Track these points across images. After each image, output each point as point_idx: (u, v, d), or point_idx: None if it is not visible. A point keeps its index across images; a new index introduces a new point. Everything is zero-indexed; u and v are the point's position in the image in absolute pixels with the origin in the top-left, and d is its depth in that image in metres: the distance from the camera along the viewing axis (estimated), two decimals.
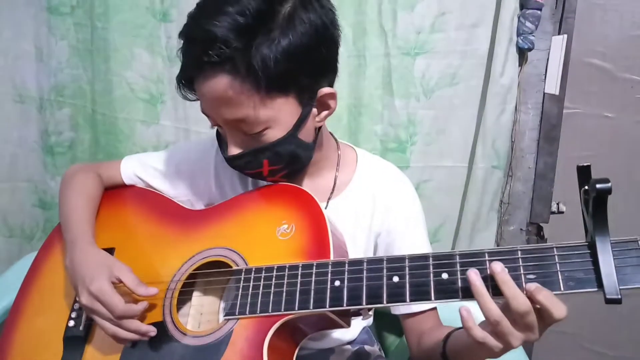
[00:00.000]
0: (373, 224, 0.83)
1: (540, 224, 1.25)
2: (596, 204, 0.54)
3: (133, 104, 1.22)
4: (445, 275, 0.59)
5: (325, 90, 0.74)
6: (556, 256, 0.56)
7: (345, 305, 0.62)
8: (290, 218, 0.72)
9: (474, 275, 0.55)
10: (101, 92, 1.22)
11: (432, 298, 0.58)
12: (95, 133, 1.25)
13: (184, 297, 0.76)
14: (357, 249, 0.83)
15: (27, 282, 0.84)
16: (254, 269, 0.69)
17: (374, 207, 0.83)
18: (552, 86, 1.12)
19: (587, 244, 0.56)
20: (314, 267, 0.65)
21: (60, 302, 0.78)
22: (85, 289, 0.69)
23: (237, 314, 0.67)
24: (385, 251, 0.83)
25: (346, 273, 0.63)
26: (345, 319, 0.70)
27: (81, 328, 0.75)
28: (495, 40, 1.07)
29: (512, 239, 1.23)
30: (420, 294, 0.59)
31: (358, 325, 0.88)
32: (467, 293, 0.56)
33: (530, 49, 1.10)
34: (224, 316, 0.68)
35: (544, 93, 1.15)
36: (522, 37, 1.08)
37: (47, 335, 0.76)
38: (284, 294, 0.65)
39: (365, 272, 0.63)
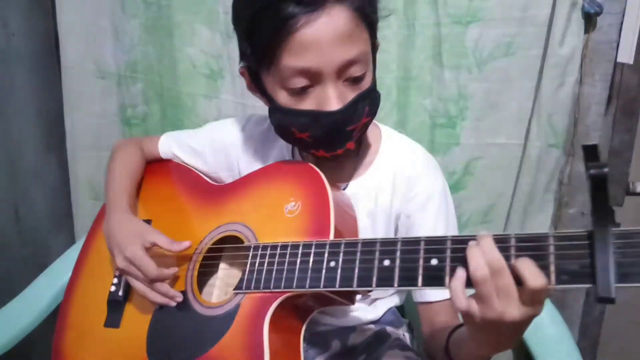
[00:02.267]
0: (393, 206, 0.81)
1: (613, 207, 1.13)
2: (594, 190, 0.48)
3: (195, 79, 1.27)
4: (434, 261, 0.56)
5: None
6: (552, 246, 0.51)
7: (337, 286, 0.62)
8: (297, 196, 0.73)
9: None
10: (167, 68, 1.28)
11: (419, 284, 0.56)
12: (163, 106, 1.33)
13: (211, 269, 0.80)
14: (377, 232, 0.82)
15: (83, 251, 0.94)
16: (260, 246, 0.71)
17: (394, 188, 0.81)
18: (627, 55, 0.98)
19: (586, 234, 0.50)
20: (313, 247, 0.66)
21: (106, 268, 0.86)
22: (121, 254, 0.76)
23: (243, 288, 0.70)
24: (406, 235, 0.81)
25: (341, 254, 0.63)
26: (346, 297, 0.69)
27: (120, 293, 0.82)
28: (555, 5, 0.97)
29: (571, 222, 1.12)
30: (408, 279, 0.57)
31: (383, 305, 0.87)
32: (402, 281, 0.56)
33: (598, 14, 0.97)
34: (233, 290, 0.72)
35: (616, 62, 1.02)
36: (588, 0, 0.96)
37: (95, 298, 0.85)
38: (285, 272, 0.67)
39: (359, 254, 0.62)
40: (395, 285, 0.58)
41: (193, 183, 0.90)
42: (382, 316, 0.87)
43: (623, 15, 0.99)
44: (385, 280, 0.59)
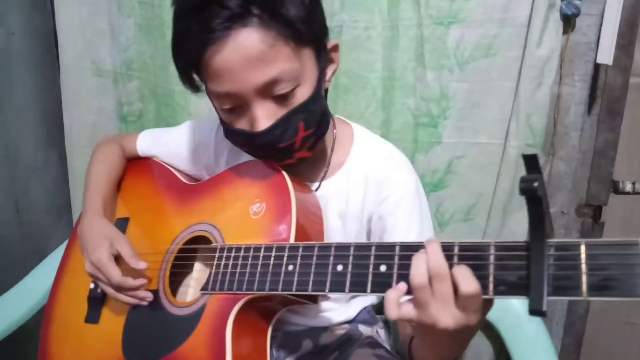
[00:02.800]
0: (365, 207, 0.82)
1: (599, 205, 1.13)
2: (528, 202, 0.49)
3: None
4: (383, 268, 0.58)
5: (332, 42, 0.75)
6: (492, 256, 0.52)
7: (294, 290, 0.64)
8: (262, 197, 0.74)
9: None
10: (160, 67, 1.30)
11: (368, 290, 0.58)
12: (157, 104, 1.35)
13: (186, 269, 0.83)
14: (348, 233, 0.82)
15: (68, 247, 0.97)
16: (226, 248, 0.73)
17: (365, 189, 0.82)
18: (606, 56, 0.97)
19: (525, 244, 0.51)
20: (273, 250, 0.68)
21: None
22: (87, 258, 0.79)
23: (209, 289, 0.72)
24: (379, 238, 0.81)
25: (299, 258, 0.65)
26: (307, 298, 0.71)
27: (99, 290, 0.85)
28: (533, 6, 0.96)
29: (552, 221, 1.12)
30: (358, 285, 0.59)
31: (358, 304, 0.89)
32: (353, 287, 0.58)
33: (575, 15, 0.96)
34: (200, 290, 0.74)
35: (596, 63, 1.01)
36: (565, 2, 0.95)
37: (77, 294, 0.88)
38: (247, 274, 0.69)
39: (315, 258, 0.64)
40: (347, 290, 0.60)
41: (168, 182, 0.92)
42: (356, 315, 0.88)
43: (602, 17, 0.98)
44: (337, 286, 0.61)
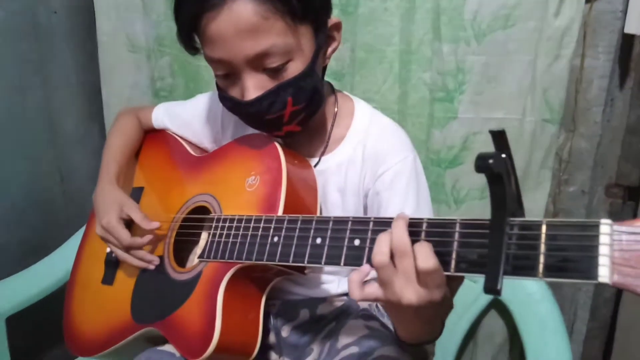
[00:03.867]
0: (362, 182, 0.82)
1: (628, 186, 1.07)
2: (490, 180, 0.48)
3: None
4: (357, 242, 0.59)
5: (334, 19, 0.75)
6: (457, 233, 0.52)
7: (277, 260, 0.66)
8: (257, 170, 0.77)
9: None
10: None
11: (341, 263, 0.59)
12: (186, 79, 1.38)
13: (189, 238, 0.86)
14: (347, 208, 0.83)
15: (91, 216, 1.04)
16: (222, 218, 0.76)
17: (363, 164, 0.82)
18: (636, 25, 0.91)
19: (488, 222, 0.50)
20: (262, 222, 0.70)
21: None
22: (99, 221, 0.84)
23: (205, 257, 0.76)
24: (376, 214, 0.81)
25: (283, 230, 0.67)
26: (294, 268, 0.74)
27: (113, 255, 0.91)
28: None
29: (571, 201, 1.07)
30: (333, 258, 0.61)
31: None
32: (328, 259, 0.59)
33: None
34: (197, 258, 0.78)
35: (623, 34, 0.94)
36: None
37: (96, 257, 0.95)
38: (238, 244, 0.72)
39: (297, 231, 0.65)
40: (322, 263, 0.61)
41: (178, 153, 0.95)
42: None
43: None
44: (315, 258, 0.62)
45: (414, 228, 0.54)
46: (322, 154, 0.84)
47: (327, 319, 0.86)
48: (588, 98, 1.01)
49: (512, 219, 0.48)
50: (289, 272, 0.75)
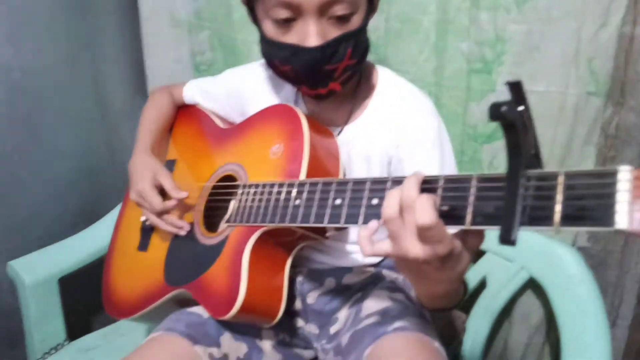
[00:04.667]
0: (386, 150, 0.82)
1: None
2: (504, 129, 0.47)
3: (249, 25, 1.30)
4: (375, 201, 0.59)
5: None
6: (474, 187, 0.51)
7: (298, 222, 0.67)
8: (281, 138, 0.78)
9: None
10: (224, 15, 1.34)
11: (360, 222, 0.59)
12: (224, 53, 1.40)
13: (218, 204, 0.89)
14: (372, 176, 0.83)
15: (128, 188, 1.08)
16: (248, 185, 0.78)
17: (387, 132, 0.81)
18: None
19: (505, 175, 0.49)
20: (285, 186, 0.71)
21: None
22: (134, 187, 0.87)
23: (231, 222, 0.78)
24: None
25: (305, 193, 0.68)
26: (315, 232, 0.75)
27: (148, 223, 0.95)
28: None
29: None
30: (351, 217, 0.61)
31: None
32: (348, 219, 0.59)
33: None
34: (225, 222, 0.80)
35: None
36: None
37: (133, 225, 1.00)
38: (262, 208, 0.74)
39: (318, 193, 0.66)
40: (342, 222, 0.61)
41: (208, 126, 0.99)
42: (381, 260, 0.90)
43: None
44: (335, 218, 0.62)
45: (430, 185, 0.53)
46: (346, 122, 0.84)
47: (353, 289, 0.87)
48: (638, 69, 0.95)
49: (529, 170, 0.47)
50: (311, 237, 0.75)
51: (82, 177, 1.43)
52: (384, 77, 0.85)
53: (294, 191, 0.69)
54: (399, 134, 0.80)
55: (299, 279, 0.88)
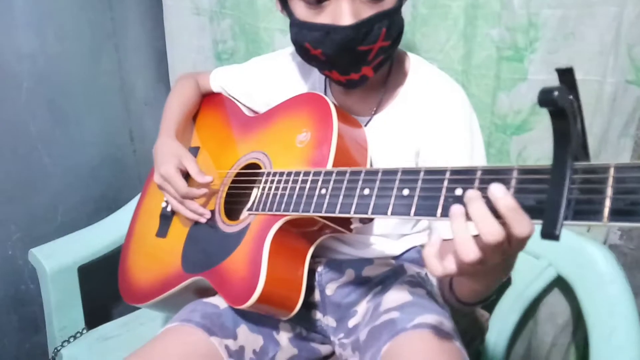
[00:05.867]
0: (413, 142, 0.80)
1: None
2: (553, 117, 0.44)
3: (272, 13, 1.29)
4: (406, 191, 0.56)
5: None
6: (513, 179, 0.48)
7: (324, 212, 0.65)
8: (309, 127, 0.76)
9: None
10: (247, 3, 1.32)
11: (389, 212, 0.57)
12: (246, 42, 1.38)
13: (241, 191, 0.87)
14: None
15: (150, 174, 1.08)
16: (271, 173, 0.76)
17: (416, 122, 0.79)
18: None
19: (549, 167, 0.46)
20: (311, 175, 0.69)
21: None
22: (158, 170, 0.86)
23: (254, 210, 0.76)
24: None
25: (331, 182, 0.66)
26: (341, 224, 0.72)
27: (169, 208, 0.94)
28: None
29: None
30: (380, 208, 0.58)
31: (408, 242, 0.87)
32: (420, 210, 0.54)
33: None
34: (247, 210, 0.78)
35: None
36: None
37: (152, 212, 0.99)
38: (286, 196, 0.72)
39: (345, 182, 0.64)
40: (369, 213, 0.59)
41: (233, 114, 0.97)
42: (403, 253, 0.87)
43: None
44: (362, 208, 0.60)
45: (467, 176, 0.51)
46: (375, 112, 0.82)
47: (373, 282, 0.84)
48: None
49: (576, 163, 0.45)
50: (335, 229, 0.73)
51: (104, 166, 1.44)
52: (415, 65, 0.82)
53: (320, 180, 0.67)
54: (429, 124, 0.78)
55: (319, 269, 0.86)
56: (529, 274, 1.04)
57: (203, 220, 0.84)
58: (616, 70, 0.90)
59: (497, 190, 0.45)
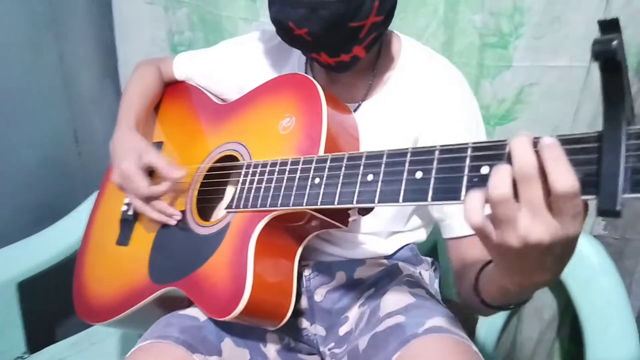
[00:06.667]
0: (411, 128, 0.73)
1: None
2: (603, 74, 0.38)
3: (235, 1, 1.22)
4: (419, 174, 0.48)
5: None
6: None
7: (319, 204, 0.57)
8: (292, 111, 0.67)
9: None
10: None
11: (400, 199, 0.49)
12: (206, 32, 1.30)
13: (214, 188, 0.78)
14: None
15: (106, 175, 0.96)
16: (252, 164, 0.67)
17: (411, 108, 0.72)
18: None
19: (596, 135, 0.40)
20: (300, 163, 0.61)
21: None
22: (117, 168, 0.75)
23: (234, 207, 0.67)
24: None
25: (326, 170, 0.57)
26: (338, 218, 0.64)
27: (130, 212, 0.83)
28: None
29: None
30: (388, 195, 0.50)
31: (400, 240, 0.80)
32: (438, 194, 0.46)
33: None
34: (225, 209, 0.68)
35: None
36: None
37: (110, 217, 0.88)
38: (272, 189, 0.63)
39: (343, 169, 0.55)
40: (376, 201, 0.51)
41: (201, 103, 0.87)
42: (396, 252, 0.80)
43: None
44: (366, 196, 0.52)
45: (495, 151, 0.43)
46: (364, 98, 0.74)
47: (366, 284, 0.77)
48: None
49: (629, 127, 0.39)
50: (330, 224, 0.65)
51: (45, 170, 1.31)
52: (407, 47, 0.75)
53: (312, 168, 0.58)
54: (429, 109, 0.71)
55: (306, 273, 0.77)
56: None
57: (172, 222, 0.74)
58: None
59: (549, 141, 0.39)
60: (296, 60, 0.80)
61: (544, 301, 1.06)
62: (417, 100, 0.72)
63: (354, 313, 0.75)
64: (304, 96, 0.67)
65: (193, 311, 0.69)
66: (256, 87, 0.77)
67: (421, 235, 0.82)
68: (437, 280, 0.84)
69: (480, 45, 0.98)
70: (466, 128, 0.71)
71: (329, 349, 0.75)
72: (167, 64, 0.93)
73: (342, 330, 0.74)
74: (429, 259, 0.85)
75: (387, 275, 0.77)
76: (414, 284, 0.73)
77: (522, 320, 1.09)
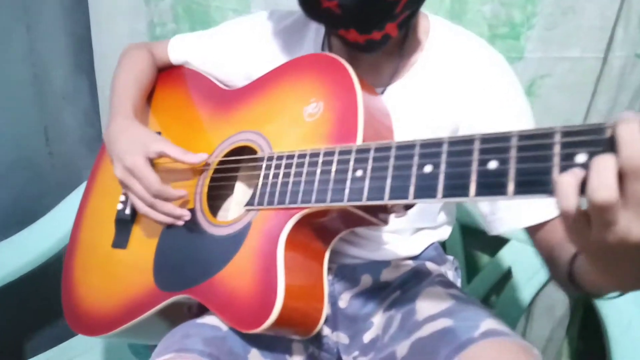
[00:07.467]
0: (447, 115, 0.68)
1: None
2: None
3: None
4: (493, 164, 0.43)
5: None
6: None
7: (365, 200, 0.51)
8: (319, 95, 0.61)
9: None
10: None
11: (471, 193, 0.44)
12: (192, 23, 1.23)
13: (227, 183, 0.71)
14: None
15: (94, 169, 0.87)
16: (275, 156, 0.60)
17: (446, 95, 0.67)
18: None
19: None
20: (336, 154, 0.54)
21: (114, 186, 0.77)
22: (120, 163, 0.67)
23: (255, 204, 0.60)
24: None
25: (370, 161, 0.51)
26: (378, 215, 0.58)
27: (127, 211, 0.75)
28: None
29: None
30: (454, 189, 0.45)
31: (425, 238, 0.75)
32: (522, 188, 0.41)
33: None
34: (244, 206, 0.62)
35: None
36: None
37: (103, 217, 0.79)
38: (302, 184, 0.56)
39: (392, 160, 0.50)
40: (439, 196, 0.45)
41: (204, 89, 0.79)
42: (422, 252, 0.75)
43: None
44: (426, 190, 0.47)
45: (591, 136, 0.38)
46: (389, 82, 0.69)
47: (394, 286, 0.71)
48: None
49: None
50: (368, 221, 0.58)
51: (13, 171, 1.23)
52: (438, 28, 0.70)
53: (352, 159, 0.53)
54: (470, 95, 0.66)
55: (329, 278, 0.71)
56: (530, 267, 0.97)
57: (180, 223, 0.67)
58: (626, 43, 0.85)
59: None
60: (311, 43, 0.73)
61: (555, 297, 1.03)
62: (452, 84, 0.67)
63: (379, 318, 0.69)
64: (331, 78, 0.61)
65: (212, 320, 0.61)
66: (271, 70, 0.70)
67: (445, 233, 0.78)
68: (459, 280, 0.80)
69: (490, 36, 0.95)
70: (518, 114, 0.67)
71: (354, 358, 0.69)
72: (159, 48, 0.85)
73: (367, 337, 0.69)
74: (451, 258, 0.81)
75: (413, 276, 0.71)
76: (447, 284, 0.68)
77: (533, 318, 1.07)
